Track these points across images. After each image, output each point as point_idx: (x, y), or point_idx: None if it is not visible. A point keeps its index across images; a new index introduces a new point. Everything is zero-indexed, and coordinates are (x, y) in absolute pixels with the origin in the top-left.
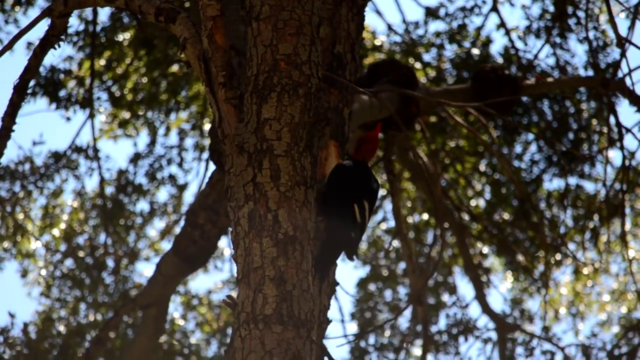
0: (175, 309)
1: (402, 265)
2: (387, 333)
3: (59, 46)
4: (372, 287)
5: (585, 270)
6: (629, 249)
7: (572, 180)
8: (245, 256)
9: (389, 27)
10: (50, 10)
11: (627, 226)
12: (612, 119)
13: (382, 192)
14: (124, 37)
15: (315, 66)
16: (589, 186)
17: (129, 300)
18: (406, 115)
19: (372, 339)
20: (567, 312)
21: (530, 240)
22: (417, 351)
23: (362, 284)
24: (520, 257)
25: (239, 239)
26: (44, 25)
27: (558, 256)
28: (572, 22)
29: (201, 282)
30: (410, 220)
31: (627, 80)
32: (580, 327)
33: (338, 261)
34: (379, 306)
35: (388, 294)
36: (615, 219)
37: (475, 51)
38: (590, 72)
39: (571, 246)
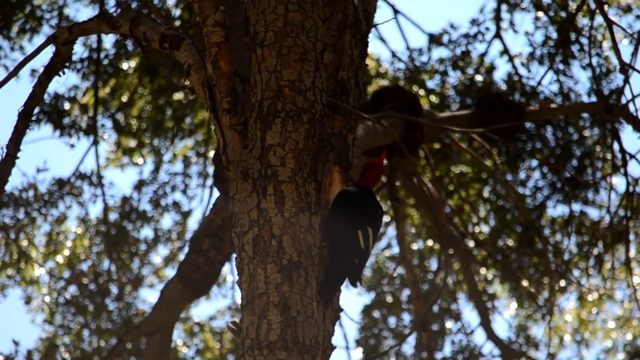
0: (177, 335)
1: (406, 291)
2: None
3: (64, 73)
4: (376, 313)
5: (590, 297)
6: (634, 275)
7: (576, 207)
8: (250, 282)
9: (393, 54)
10: (55, 38)
11: (632, 253)
12: (615, 145)
13: (386, 218)
14: (129, 64)
15: (319, 92)
16: (593, 213)
17: (133, 327)
18: (410, 142)
19: None
20: (572, 339)
21: (534, 267)
22: None
23: (366, 310)
24: (525, 284)
25: (243, 265)
26: (48, 52)
27: (562, 282)
28: (575, 48)
29: (203, 309)
30: (414, 246)
31: (631, 106)
32: (585, 354)
33: (342, 287)
34: (384, 333)
35: (392, 320)
36: (619, 245)
37: (479, 78)
38: (594, 99)
39: (575, 273)
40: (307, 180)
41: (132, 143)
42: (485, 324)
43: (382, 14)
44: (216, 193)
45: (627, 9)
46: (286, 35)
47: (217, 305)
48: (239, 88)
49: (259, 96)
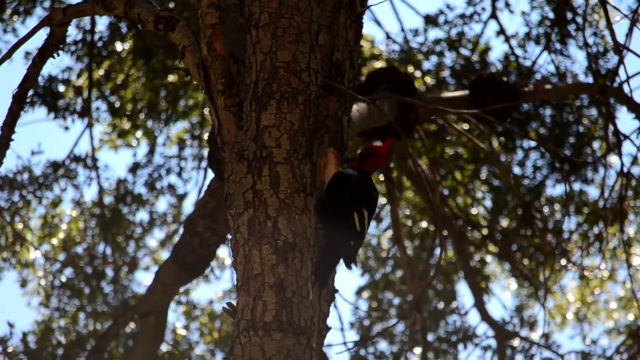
0: (177, 318)
1: (400, 272)
2: (387, 341)
3: (58, 55)
4: (370, 293)
5: (591, 277)
6: (632, 255)
7: (576, 186)
8: (245, 263)
9: (388, 36)
10: (49, 19)
11: (631, 232)
12: (610, 126)
13: (381, 200)
14: (123, 46)
15: (314, 73)
16: (593, 192)
17: (128, 308)
18: (405, 123)
19: (371, 347)
20: (574, 318)
21: (533, 247)
22: (416, 359)
23: (360, 291)
24: (524, 264)
25: (238, 246)
26: (42, 34)
27: (562, 262)
28: (571, 28)
29: (203, 292)
30: (410, 225)
31: (625, 87)
32: (587, 332)
33: (337, 268)
34: (378, 314)
35: (387, 301)
36: (616, 224)
37: (475, 58)
38: (590, 79)
39: (576, 252)
40: (302, 161)
41: (127, 125)
42: (479, 304)
43: None
44: (211, 175)
45: None
46: (281, 17)
47: (216, 288)
48: (233, 69)
49: (253, 77)
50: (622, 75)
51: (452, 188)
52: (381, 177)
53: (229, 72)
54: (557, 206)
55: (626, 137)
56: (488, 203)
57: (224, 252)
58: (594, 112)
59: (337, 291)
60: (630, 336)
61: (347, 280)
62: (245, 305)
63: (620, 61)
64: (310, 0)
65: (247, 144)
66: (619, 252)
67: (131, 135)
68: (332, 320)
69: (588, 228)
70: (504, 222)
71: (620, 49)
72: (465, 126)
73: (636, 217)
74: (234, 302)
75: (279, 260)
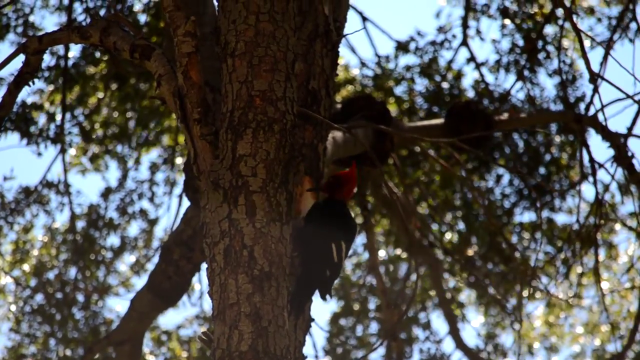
0: (145, 344)
1: (374, 300)
2: None
3: (33, 83)
4: (344, 322)
5: (557, 303)
6: (602, 280)
7: (545, 214)
8: (221, 292)
9: (362, 63)
10: (25, 47)
11: (601, 258)
12: (585, 154)
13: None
14: (95, 70)
15: (291, 102)
16: (561, 219)
17: (102, 336)
18: (380, 151)
19: None
20: (540, 346)
21: (501, 274)
22: None
23: (335, 319)
24: (492, 291)
25: (214, 275)
26: (16, 60)
27: (531, 289)
28: (541, 56)
29: (171, 318)
30: (383, 254)
31: (600, 116)
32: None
33: (312, 298)
34: (352, 341)
35: (360, 329)
36: (587, 251)
37: (446, 85)
38: (560, 106)
39: (544, 279)
40: (278, 190)
41: (97, 149)
42: (454, 332)
43: (351, 21)
44: (186, 202)
45: (590, 12)
46: (257, 45)
47: (185, 314)
48: (209, 98)
49: (230, 106)
50: (597, 103)
51: (426, 215)
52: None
53: (204, 101)
54: (525, 234)
55: (601, 165)
56: (460, 227)
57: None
58: (562, 140)
59: (313, 320)
60: None
61: (322, 307)
62: (221, 334)
63: (595, 90)
64: (287, 29)
65: (223, 172)
66: (588, 277)
67: (101, 160)
68: (307, 348)
69: (556, 255)
70: (474, 249)
71: (594, 78)
72: (438, 153)
73: (604, 244)
74: (210, 331)
75: (255, 289)
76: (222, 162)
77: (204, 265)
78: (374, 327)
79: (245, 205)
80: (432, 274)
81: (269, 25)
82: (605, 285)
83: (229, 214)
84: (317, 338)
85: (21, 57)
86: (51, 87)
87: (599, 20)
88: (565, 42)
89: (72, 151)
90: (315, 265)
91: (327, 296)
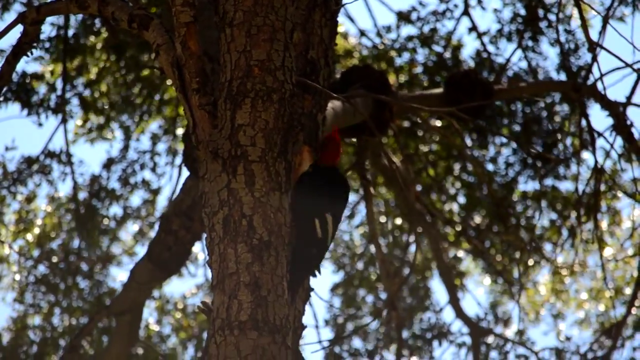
0: (150, 314)
1: (375, 269)
2: (362, 338)
3: (32, 53)
4: (346, 290)
5: (564, 272)
6: (605, 246)
7: (548, 182)
8: (220, 262)
9: (362, 33)
10: (23, 18)
11: (604, 224)
12: (584, 123)
13: (356, 197)
14: (96, 41)
15: (289, 72)
16: (566, 186)
17: (103, 307)
18: (380, 121)
19: (346, 345)
20: (547, 313)
21: (506, 243)
22: (391, 356)
23: (336, 288)
24: (497, 260)
25: (213, 245)
26: (14, 31)
27: (535, 258)
28: (543, 25)
29: (175, 287)
30: (384, 222)
31: (599, 85)
32: (561, 327)
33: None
34: (353, 311)
35: (362, 297)
36: (590, 218)
37: (447, 55)
38: (563, 75)
39: (548, 247)
40: (277, 159)
41: (100, 120)
42: (454, 301)
43: None
44: (185, 172)
45: None
46: (255, 15)
47: (189, 284)
48: (208, 68)
49: (228, 76)
50: (596, 72)
51: (426, 185)
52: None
53: (203, 71)
54: (529, 202)
55: (600, 134)
56: (461, 200)
57: (197, 249)
58: (565, 108)
59: (312, 290)
60: (604, 333)
61: (322, 277)
62: (220, 304)
63: (594, 59)
64: None
65: (222, 142)
66: (590, 244)
67: (106, 130)
68: (307, 318)
69: (561, 223)
70: (477, 219)
71: (593, 47)
72: (439, 123)
73: (608, 211)
74: (209, 301)
75: (254, 258)
76: (220, 132)
77: (204, 235)
78: (370, 298)
79: (244, 174)
80: (432, 243)
81: None
82: (609, 251)
83: (227, 183)
84: (317, 308)
85: (20, 28)
86: (51, 57)
87: None
88: (568, 11)
89: (75, 122)
90: (300, 243)
91: (316, 273)
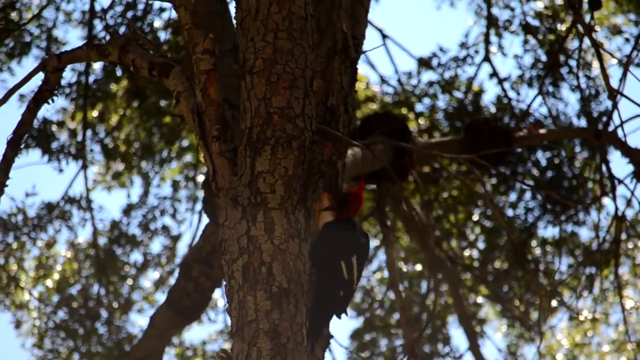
0: None
1: (396, 315)
2: None
3: (53, 101)
4: (366, 337)
5: (583, 319)
6: (626, 298)
7: (567, 228)
8: (240, 309)
9: (382, 80)
10: (44, 65)
11: (625, 275)
12: (604, 169)
13: (375, 243)
14: (117, 87)
15: (309, 119)
16: (585, 233)
17: (122, 353)
18: (399, 167)
19: None
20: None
21: (525, 288)
22: None
23: (355, 335)
24: (516, 305)
25: (233, 292)
26: (36, 77)
27: (554, 303)
28: (564, 71)
29: (195, 333)
30: (404, 269)
31: (619, 132)
32: None
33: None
34: (374, 357)
35: (383, 344)
36: (610, 266)
37: (468, 101)
38: (583, 121)
39: (566, 294)
40: (296, 207)
41: (120, 167)
42: (474, 348)
43: (370, 37)
44: (205, 219)
45: (617, 31)
46: (275, 63)
47: (209, 330)
48: (228, 115)
49: (248, 123)
50: (616, 119)
51: (446, 231)
52: (376, 221)
53: (223, 118)
54: (549, 248)
55: (620, 181)
56: (481, 245)
57: (217, 295)
58: (585, 154)
59: (332, 337)
60: None
61: (341, 322)
62: (240, 351)
63: (615, 106)
64: (305, 47)
65: (242, 189)
66: (612, 295)
67: (125, 176)
68: None
69: (581, 270)
70: (497, 264)
71: (614, 94)
72: (459, 169)
73: (628, 260)
74: (228, 348)
75: (274, 306)
76: (240, 179)
77: (224, 282)
78: (395, 342)
79: (263, 221)
80: (452, 290)
81: (287, 42)
82: (630, 302)
83: (247, 230)
84: (337, 354)
85: (41, 75)
86: (72, 106)
87: (627, 40)
88: (588, 57)
89: (95, 169)
90: (327, 287)
91: (343, 315)
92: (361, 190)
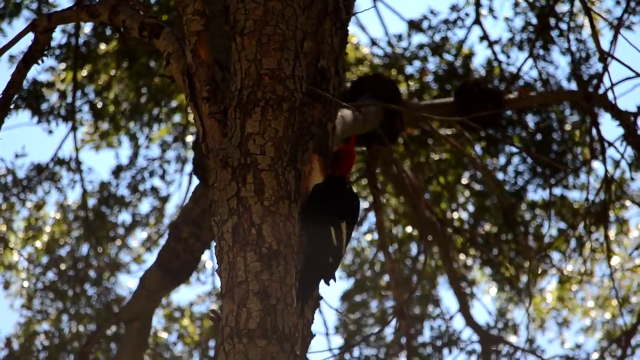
0: (157, 321)
1: (386, 277)
2: (372, 345)
3: (43, 61)
4: (357, 298)
5: (570, 280)
6: (613, 255)
7: (557, 191)
8: (229, 270)
9: (373, 42)
10: (34, 26)
11: (612, 233)
12: (594, 132)
13: (365, 205)
14: (106, 49)
15: (299, 81)
16: (574, 195)
17: (112, 314)
18: (390, 129)
19: (356, 352)
20: (553, 321)
21: (514, 252)
22: None
23: (346, 296)
24: (505, 269)
25: (222, 254)
26: (25, 38)
27: (543, 266)
28: (554, 34)
29: (183, 295)
30: (394, 231)
31: (610, 95)
32: (565, 336)
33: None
34: (364, 319)
35: (373, 305)
36: (599, 227)
37: (458, 64)
38: (573, 84)
39: (556, 256)
40: (286, 168)
41: (109, 127)
42: (464, 310)
43: (361, 0)
44: (195, 181)
45: None
46: (266, 24)
47: (197, 291)
48: (218, 76)
49: (238, 85)
50: (607, 82)
51: (436, 193)
52: (365, 183)
53: (213, 79)
54: (538, 211)
55: (610, 144)
56: (470, 208)
57: (206, 257)
58: (575, 117)
59: (321, 298)
60: (614, 341)
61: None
62: (229, 312)
63: (605, 68)
64: (296, 8)
65: (232, 151)
66: (600, 252)
67: (113, 137)
68: (316, 326)
69: (570, 232)
70: (486, 227)
71: (604, 57)
72: (449, 131)
73: (616, 220)
74: (218, 309)
75: (263, 267)
76: (230, 141)
77: (213, 244)
78: (386, 304)
79: (253, 183)
80: (443, 252)
81: (278, 3)
82: (616, 260)
83: (237, 192)
84: (327, 315)
85: (31, 35)
86: (62, 66)
87: (618, 3)
88: (579, 20)
89: (84, 129)
90: (316, 253)
91: (331, 281)
92: (352, 146)
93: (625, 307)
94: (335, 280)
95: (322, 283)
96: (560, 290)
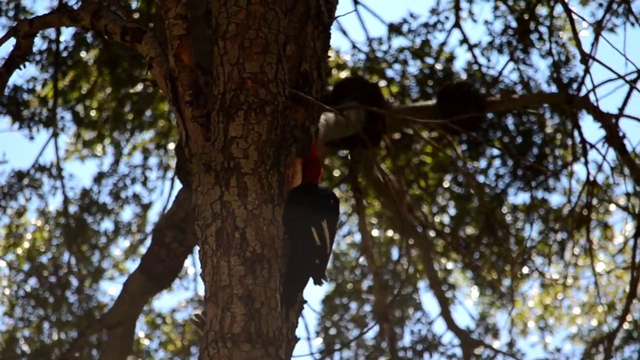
0: (140, 328)
1: (367, 281)
2: (353, 349)
3: (24, 66)
4: (337, 302)
5: (554, 284)
6: (597, 261)
7: (538, 194)
8: (213, 275)
9: (353, 45)
10: (16, 31)
11: (595, 239)
12: (576, 134)
13: (348, 208)
14: (88, 55)
15: (282, 84)
16: (555, 199)
17: (95, 320)
18: (372, 132)
19: (337, 356)
20: (536, 326)
21: (496, 255)
22: None
23: (327, 300)
24: (487, 272)
25: (206, 258)
26: (7, 44)
27: (525, 270)
28: (534, 37)
29: (165, 301)
30: (375, 234)
31: (591, 97)
32: (548, 340)
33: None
34: (345, 322)
35: (353, 307)
36: (581, 231)
37: (439, 67)
38: (554, 87)
39: (538, 260)
40: (269, 172)
41: (92, 135)
42: (446, 313)
43: (343, 4)
44: (178, 185)
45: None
46: (248, 28)
47: (179, 297)
48: (201, 80)
49: (221, 88)
50: (588, 84)
51: (418, 197)
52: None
53: (196, 83)
54: (519, 214)
55: (592, 146)
56: (452, 211)
57: (187, 263)
58: (556, 120)
59: (305, 302)
60: (596, 344)
61: (313, 287)
62: (213, 316)
63: (586, 70)
64: (278, 12)
65: (215, 155)
66: (583, 258)
67: (97, 145)
68: (299, 330)
69: (549, 235)
70: (468, 230)
71: (586, 59)
72: (430, 134)
73: (599, 225)
74: (202, 314)
75: (247, 271)
76: (213, 144)
77: (197, 248)
78: (366, 308)
79: (237, 187)
80: (424, 255)
81: (260, 7)
82: (601, 266)
83: (220, 196)
84: (309, 319)
85: (12, 41)
86: (45, 75)
87: (600, 5)
88: (559, 23)
89: (67, 138)
90: (301, 255)
91: (322, 281)
92: (314, 152)
93: (611, 314)
94: (326, 280)
95: (308, 285)
96: (544, 296)
